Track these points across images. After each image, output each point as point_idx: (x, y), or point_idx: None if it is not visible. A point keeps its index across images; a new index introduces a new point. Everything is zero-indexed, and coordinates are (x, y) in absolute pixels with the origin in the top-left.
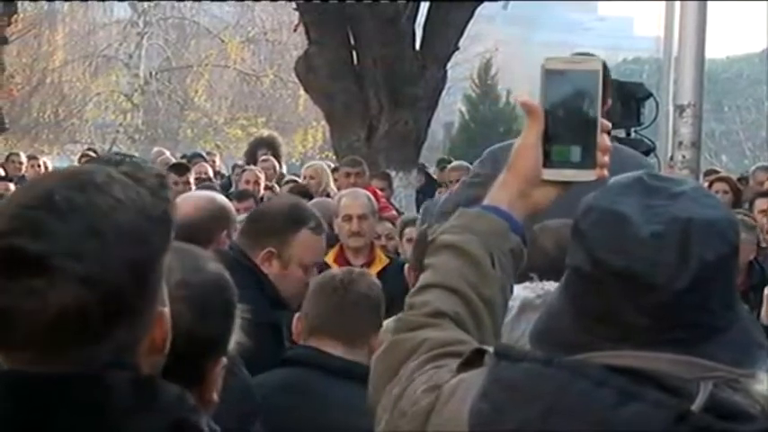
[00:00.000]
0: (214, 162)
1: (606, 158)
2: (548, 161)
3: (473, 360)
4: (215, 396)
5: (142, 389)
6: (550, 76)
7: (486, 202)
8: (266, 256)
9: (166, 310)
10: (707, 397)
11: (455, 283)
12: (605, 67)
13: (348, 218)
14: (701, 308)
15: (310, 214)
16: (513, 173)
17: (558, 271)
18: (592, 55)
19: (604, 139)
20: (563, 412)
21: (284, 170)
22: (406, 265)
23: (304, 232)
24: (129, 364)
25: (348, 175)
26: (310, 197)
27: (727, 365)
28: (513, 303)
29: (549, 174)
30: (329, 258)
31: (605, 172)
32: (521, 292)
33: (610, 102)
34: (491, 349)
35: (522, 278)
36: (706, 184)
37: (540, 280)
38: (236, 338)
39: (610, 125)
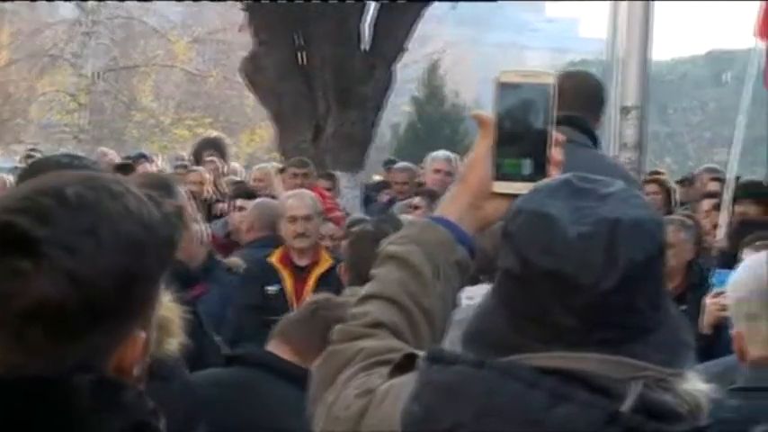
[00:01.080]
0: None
1: (557, 172)
2: (499, 174)
3: (404, 365)
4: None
5: (104, 390)
6: (503, 88)
7: (435, 213)
8: None
9: (143, 335)
10: (637, 397)
11: (395, 293)
12: (597, 80)
13: (293, 219)
14: (628, 308)
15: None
16: (463, 185)
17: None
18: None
19: (556, 153)
20: (496, 413)
21: (238, 168)
22: (340, 265)
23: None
24: (93, 369)
25: (295, 175)
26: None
27: (655, 365)
28: (470, 304)
29: (500, 186)
30: (274, 259)
31: None
32: (478, 291)
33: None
34: (422, 353)
35: (473, 281)
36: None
37: (481, 281)
38: (179, 340)
39: (563, 138)
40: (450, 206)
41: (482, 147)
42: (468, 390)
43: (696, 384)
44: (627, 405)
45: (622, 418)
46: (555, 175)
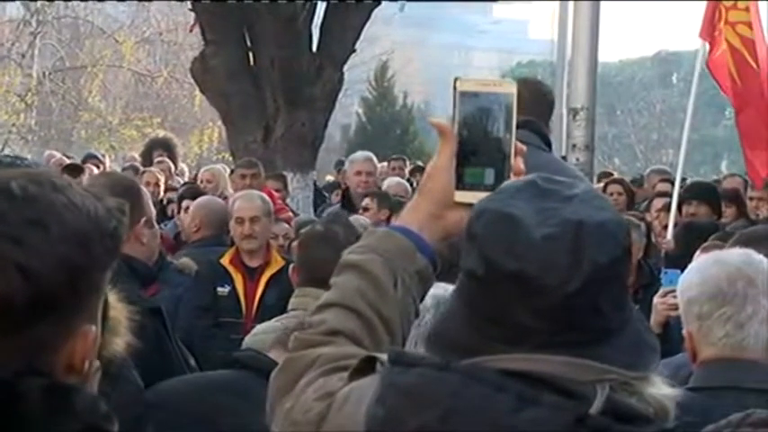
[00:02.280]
0: (104, 165)
1: None
2: (460, 183)
3: (364, 368)
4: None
5: (55, 396)
6: (464, 97)
7: (396, 223)
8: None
9: (94, 329)
10: (604, 400)
11: (353, 302)
12: (549, 87)
13: (240, 220)
14: (593, 310)
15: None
16: (424, 195)
17: (451, 273)
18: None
19: (518, 162)
20: (462, 416)
21: (185, 169)
22: (291, 266)
23: None
24: (43, 369)
25: (243, 176)
26: None
27: (620, 368)
28: (428, 303)
29: (462, 196)
30: (225, 260)
31: None
32: (434, 291)
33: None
34: (382, 356)
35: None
36: (600, 186)
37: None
38: (125, 340)
39: (525, 148)
40: (411, 216)
41: (443, 156)
42: (432, 392)
43: (661, 388)
44: (595, 408)
45: (591, 421)
46: None
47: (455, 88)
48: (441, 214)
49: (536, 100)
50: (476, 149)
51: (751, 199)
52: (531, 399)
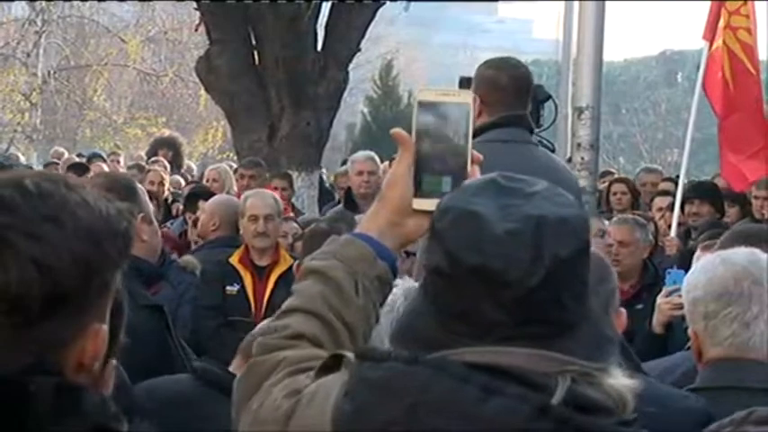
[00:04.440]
0: (118, 162)
1: None
2: (419, 191)
3: (331, 365)
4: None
5: (65, 396)
6: (422, 107)
7: (357, 230)
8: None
9: (105, 327)
10: (566, 391)
11: (316, 307)
12: (530, 72)
13: (254, 218)
14: (555, 303)
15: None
16: (383, 202)
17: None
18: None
19: (475, 170)
20: (429, 409)
21: (194, 167)
22: (295, 264)
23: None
24: (53, 367)
25: (243, 177)
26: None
27: (580, 360)
28: (397, 293)
29: (420, 203)
30: (234, 259)
31: None
32: (401, 282)
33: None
34: (349, 354)
35: None
36: (604, 186)
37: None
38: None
39: (481, 157)
40: (371, 223)
41: (401, 164)
42: (400, 386)
43: (620, 379)
44: (557, 398)
45: (553, 411)
46: None
47: (415, 98)
48: (399, 221)
49: (516, 88)
50: (433, 158)
51: (756, 198)
52: (495, 390)
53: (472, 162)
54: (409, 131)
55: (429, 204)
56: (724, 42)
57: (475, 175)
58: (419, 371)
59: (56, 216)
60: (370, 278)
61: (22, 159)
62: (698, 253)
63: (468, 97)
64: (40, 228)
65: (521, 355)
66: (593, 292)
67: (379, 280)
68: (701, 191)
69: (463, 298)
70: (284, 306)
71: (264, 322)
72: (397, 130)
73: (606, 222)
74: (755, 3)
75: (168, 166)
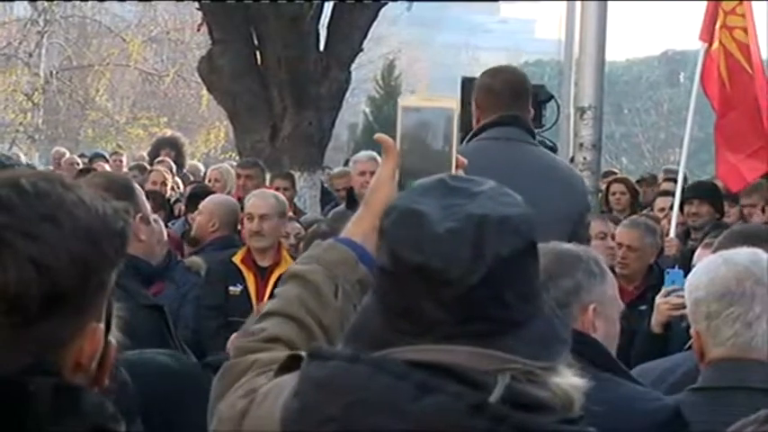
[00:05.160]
0: (120, 162)
1: None
2: None
3: (290, 365)
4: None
5: (64, 396)
6: (406, 112)
7: (341, 235)
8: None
9: (101, 326)
10: (504, 389)
11: (294, 310)
12: (526, 78)
13: (250, 217)
14: (496, 302)
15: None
16: (367, 207)
17: None
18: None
19: (459, 174)
20: (364, 406)
21: (200, 167)
22: None
23: None
24: (51, 367)
25: (239, 176)
26: None
27: (523, 358)
28: None
29: None
30: (237, 259)
31: None
32: None
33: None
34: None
35: None
36: (605, 185)
37: None
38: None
39: (465, 161)
40: (355, 228)
41: (386, 169)
42: (340, 384)
43: (568, 378)
44: (494, 396)
45: (489, 409)
46: None
47: (398, 104)
48: None
49: (510, 91)
50: (416, 163)
51: (743, 206)
52: (431, 387)
53: (456, 167)
54: (395, 137)
55: None
56: (720, 42)
57: None
58: (360, 369)
59: (53, 215)
60: (351, 282)
61: (24, 159)
62: (698, 252)
63: (451, 102)
64: (37, 227)
65: (462, 354)
66: (545, 288)
67: (360, 284)
68: (701, 191)
69: (405, 296)
70: (264, 309)
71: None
72: (380, 135)
73: (611, 224)
74: (756, 2)
75: (174, 166)
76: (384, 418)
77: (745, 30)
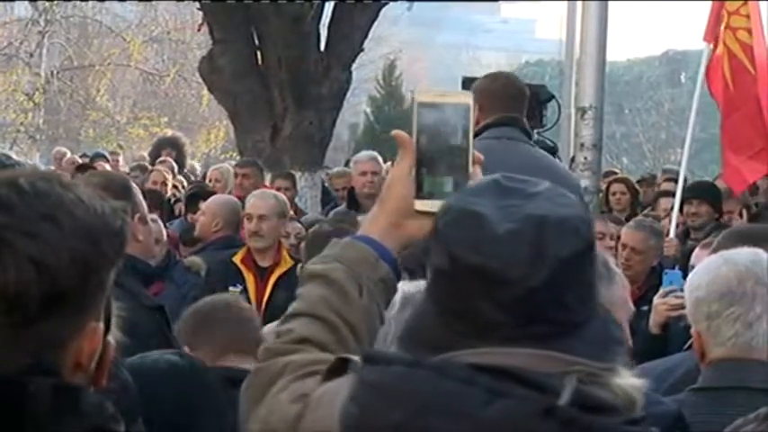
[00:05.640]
0: (117, 162)
1: None
2: (420, 192)
3: (338, 369)
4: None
5: (63, 396)
6: (422, 108)
7: (359, 232)
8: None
9: (101, 325)
10: (572, 391)
11: (320, 310)
12: (515, 77)
13: (249, 217)
14: (557, 303)
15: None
16: (384, 204)
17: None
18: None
19: (476, 171)
20: (430, 412)
21: (196, 167)
22: (299, 266)
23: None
24: (51, 367)
25: (236, 175)
26: None
27: (586, 359)
28: (395, 299)
29: (422, 205)
30: (237, 259)
31: None
32: (400, 286)
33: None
34: (355, 357)
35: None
36: (605, 185)
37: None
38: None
39: (482, 157)
40: (372, 225)
41: (402, 166)
42: (404, 389)
43: (628, 379)
44: (564, 399)
45: (559, 412)
46: None
47: (413, 100)
48: (401, 223)
49: (509, 94)
50: (434, 159)
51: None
52: (500, 392)
53: (473, 162)
54: (411, 133)
55: (431, 206)
56: (724, 43)
57: (477, 175)
58: (422, 373)
59: (53, 215)
60: (374, 280)
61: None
62: (697, 251)
63: (467, 98)
64: (37, 227)
65: (523, 356)
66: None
67: (382, 282)
68: (700, 191)
69: (463, 297)
70: (288, 311)
71: (268, 326)
72: (397, 132)
73: (610, 224)
74: (760, 3)
75: (175, 166)
76: (452, 424)
77: (749, 31)
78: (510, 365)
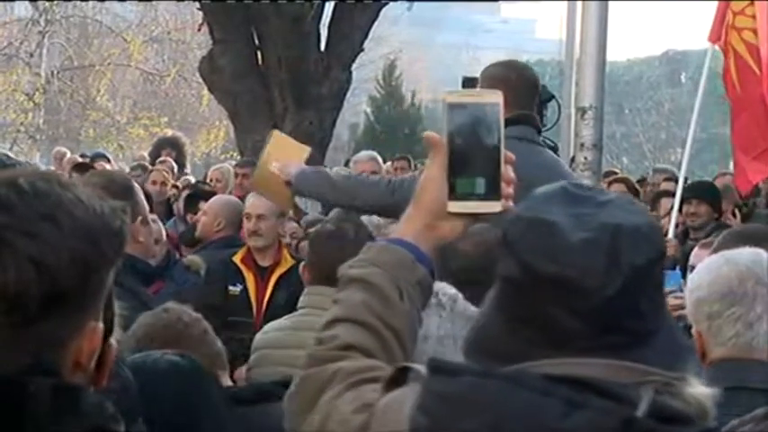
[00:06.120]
0: (109, 162)
1: (510, 189)
2: (453, 194)
3: (398, 378)
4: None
5: (63, 396)
6: (452, 109)
7: (392, 235)
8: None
9: (100, 325)
10: (649, 402)
11: (362, 315)
12: (530, 70)
13: (248, 216)
14: (632, 312)
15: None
16: (418, 206)
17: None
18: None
19: (508, 171)
20: (506, 423)
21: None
22: (302, 264)
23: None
24: (51, 367)
25: (237, 175)
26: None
27: (660, 369)
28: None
29: (455, 206)
30: (237, 259)
31: (510, 203)
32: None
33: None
34: (417, 366)
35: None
36: (605, 186)
37: (460, 282)
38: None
39: (513, 157)
40: (406, 228)
41: (434, 168)
42: (478, 400)
43: (699, 388)
44: (642, 410)
45: (638, 423)
46: (509, 193)
47: (444, 100)
48: (434, 225)
49: (529, 88)
50: (466, 160)
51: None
52: (578, 403)
53: (505, 162)
54: (412, 131)
55: (463, 207)
56: (729, 43)
57: (508, 175)
58: (494, 384)
59: (52, 215)
60: (411, 283)
61: (23, 159)
62: (696, 251)
63: (498, 97)
64: (37, 227)
65: (600, 366)
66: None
67: (420, 285)
68: (700, 191)
69: (538, 308)
70: (328, 316)
71: (269, 325)
72: (428, 133)
73: None
74: (765, 3)
75: (175, 166)
76: None
77: (754, 31)
78: (585, 376)
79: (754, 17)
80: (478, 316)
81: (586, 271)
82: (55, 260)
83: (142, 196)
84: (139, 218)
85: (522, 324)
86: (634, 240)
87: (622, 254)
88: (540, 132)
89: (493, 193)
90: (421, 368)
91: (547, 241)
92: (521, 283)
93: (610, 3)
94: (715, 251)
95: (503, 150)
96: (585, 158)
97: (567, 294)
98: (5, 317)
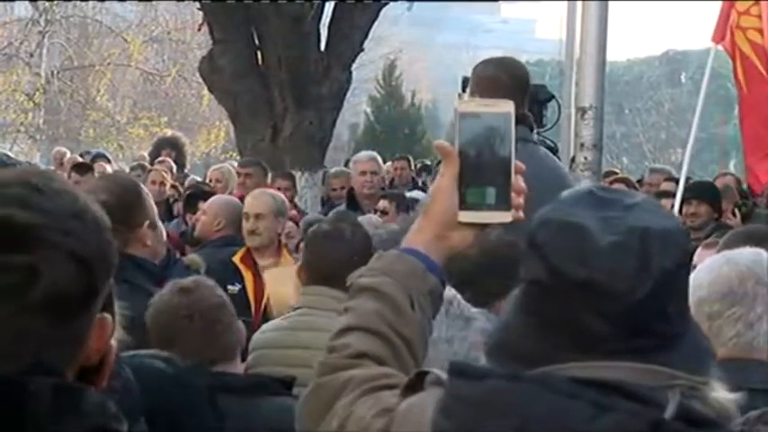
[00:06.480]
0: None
1: (521, 200)
2: (463, 203)
3: (415, 383)
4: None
5: (64, 396)
6: (464, 118)
7: (403, 245)
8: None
9: (109, 317)
10: (676, 405)
11: (374, 324)
12: (522, 66)
13: (246, 216)
14: (661, 315)
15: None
16: (428, 216)
17: (478, 273)
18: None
19: (519, 181)
20: (534, 426)
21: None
22: (297, 265)
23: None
24: (52, 366)
25: (239, 175)
26: None
27: (686, 373)
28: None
29: (465, 216)
30: (236, 258)
31: (521, 213)
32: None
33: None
34: (435, 370)
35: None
36: (606, 185)
37: (461, 282)
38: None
39: (524, 167)
40: (417, 237)
41: (446, 178)
42: (504, 403)
43: (722, 392)
44: (669, 413)
45: (665, 427)
46: (519, 203)
47: (455, 110)
48: (445, 234)
49: (520, 86)
50: (477, 170)
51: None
52: (606, 406)
53: (515, 173)
54: (412, 131)
55: (474, 217)
56: (735, 44)
57: (518, 185)
58: (521, 387)
59: (78, 212)
60: (423, 293)
61: (23, 159)
62: (699, 251)
63: (510, 106)
64: (70, 224)
65: (627, 370)
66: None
67: (430, 294)
68: (700, 191)
69: (566, 311)
70: (341, 325)
71: (267, 324)
72: (440, 143)
73: None
74: None
75: (174, 166)
76: None
77: (759, 31)
78: (612, 379)
79: (759, 17)
80: (501, 318)
81: (616, 274)
82: (90, 254)
83: (151, 200)
84: (147, 221)
85: (548, 327)
86: (663, 244)
87: (653, 257)
88: (532, 129)
89: (503, 203)
90: (440, 372)
91: (576, 245)
92: (548, 287)
93: (610, 3)
94: (720, 251)
95: (513, 160)
96: (585, 158)
97: (595, 298)
98: (52, 315)
